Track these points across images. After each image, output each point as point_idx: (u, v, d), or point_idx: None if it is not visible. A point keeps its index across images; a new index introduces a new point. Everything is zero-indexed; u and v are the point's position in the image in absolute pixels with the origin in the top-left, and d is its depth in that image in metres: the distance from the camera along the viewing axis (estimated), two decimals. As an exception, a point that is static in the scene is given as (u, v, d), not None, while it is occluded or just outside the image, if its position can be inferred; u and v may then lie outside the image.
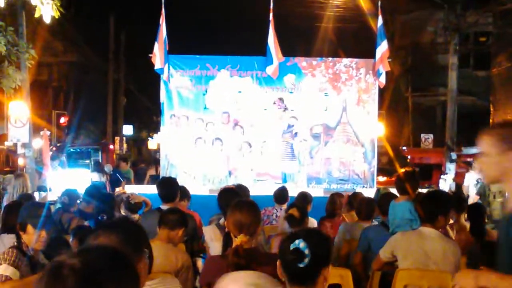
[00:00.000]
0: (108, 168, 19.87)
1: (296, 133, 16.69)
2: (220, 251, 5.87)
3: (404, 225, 7.22)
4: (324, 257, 3.39)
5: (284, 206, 9.91)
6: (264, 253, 5.04)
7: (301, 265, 3.32)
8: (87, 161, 29.39)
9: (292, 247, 3.35)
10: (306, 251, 3.31)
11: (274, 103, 16.67)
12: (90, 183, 15.30)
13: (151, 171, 27.18)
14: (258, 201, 5.38)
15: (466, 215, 9.06)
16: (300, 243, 3.33)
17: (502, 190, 14.67)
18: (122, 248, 3.38)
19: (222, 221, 7.34)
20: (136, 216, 9.91)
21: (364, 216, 8.77)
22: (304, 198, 10.15)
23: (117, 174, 19.20)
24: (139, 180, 23.94)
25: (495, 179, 3.97)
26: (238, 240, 4.75)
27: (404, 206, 7.51)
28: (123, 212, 10.46)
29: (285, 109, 16.69)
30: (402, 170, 8.35)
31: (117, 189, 16.42)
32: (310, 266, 3.32)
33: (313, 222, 9.22)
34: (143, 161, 38.03)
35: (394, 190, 8.80)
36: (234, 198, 6.85)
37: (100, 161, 29.21)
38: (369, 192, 12.69)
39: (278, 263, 3.45)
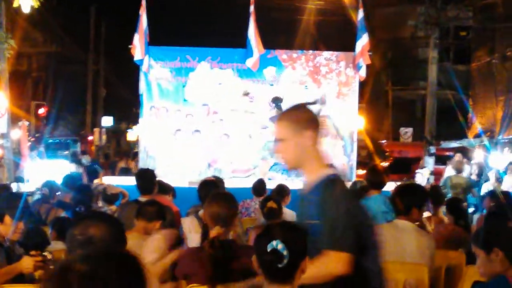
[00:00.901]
0: (85, 159, 19.77)
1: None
2: (199, 243, 5.86)
3: (380, 217, 7.23)
4: (301, 251, 3.36)
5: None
6: (242, 245, 5.03)
7: (280, 265, 3.29)
8: (66, 152, 29.23)
9: (269, 248, 3.30)
10: (285, 252, 3.27)
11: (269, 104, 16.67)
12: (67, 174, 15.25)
13: (122, 163, 27.23)
14: (236, 194, 5.38)
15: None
16: (278, 244, 3.29)
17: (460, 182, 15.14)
18: (111, 239, 3.38)
19: (201, 212, 7.33)
20: (113, 208, 9.88)
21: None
22: (281, 190, 10.13)
23: (95, 166, 19.10)
24: (112, 173, 23.99)
25: (295, 163, 3.96)
26: (214, 231, 4.75)
27: (376, 199, 7.53)
28: (100, 203, 10.43)
29: (278, 108, 16.68)
30: (373, 164, 8.45)
31: (95, 181, 16.34)
32: (289, 264, 3.30)
33: (292, 215, 9.21)
34: (118, 154, 37.98)
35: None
36: (213, 190, 6.85)
37: (78, 152, 29.06)
38: (348, 186, 12.72)
39: (254, 259, 3.41)
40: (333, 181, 3.81)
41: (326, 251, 3.58)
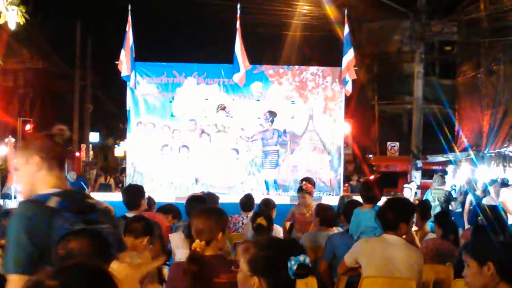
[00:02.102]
0: (71, 175, 19.64)
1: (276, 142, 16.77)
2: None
3: (369, 232, 7.24)
4: None
5: (250, 214, 9.90)
6: (225, 260, 5.02)
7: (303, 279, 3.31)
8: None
9: (295, 263, 3.29)
10: (310, 265, 3.30)
11: (264, 115, 16.74)
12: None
13: (101, 179, 27.27)
14: (224, 209, 5.38)
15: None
16: (306, 259, 3.30)
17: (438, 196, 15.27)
18: (94, 255, 3.39)
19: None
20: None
21: (326, 223, 8.78)
22: (267, 204, 10.12)
23: (81, 182, 19.03)
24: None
25: (28, 191, 3.86)
26: (194, 245, 4.75)
27: (369, 213, 7.53)
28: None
29: (272, 122, 16.74)
30: (367, 178, 8.45)
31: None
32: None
33: (278, 230, 9.21)
34: (102, 170, 38.02)
35: (358, 198, 8.83)
36: (200, 206, 6.84)
37: (66, 168, 28.97)
38: (336, 200, 12.73)
39: (262, 282, 3.38)
40: (21, 204, 3.73)
41: (8, 275, 3.51)
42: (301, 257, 3.30)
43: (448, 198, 15.51)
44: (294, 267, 3.28)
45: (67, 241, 3.44)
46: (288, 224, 10.98)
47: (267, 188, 16.64)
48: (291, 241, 3.78)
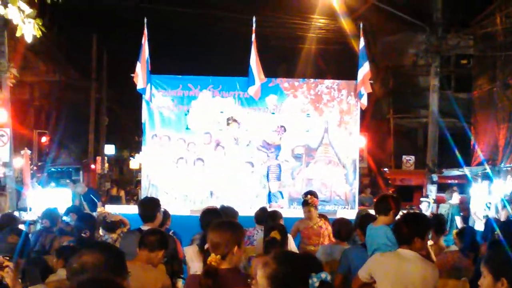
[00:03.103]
0: (78, 188, 19.47)
1: (276, 155, 16.74)
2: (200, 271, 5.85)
3: (382, 249, 7.17)
4: None
5: (265, 227, 9.85)
6: (241, 274, 5.00)
7: None
8: (68, 181, 29.28)
9: (317, 280, 3.29)
10: (330, 282, 3.31)
11: (275, 129, 16.72)
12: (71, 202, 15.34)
13: (113, 191, 27.43)
14: (239, 222, 5.37)
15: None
16: (327, 277, 3.29)
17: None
18: (106, 268, 3.40)
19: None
20: (114, 236, 9.85)
21: (342, 237, 8.75)
22: (274, 216, 10.04)
23: (91, 195, 18.97)
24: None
25: None
26: (209, 259, 4.74)
27: (381, 230, 7.44)
28: (100, 232, 10.40)
29: (281, 136, 16.74)
30: (383, 193, 8.39)
31: (98, 209, 16.31)
32: None
33: (291, 241, 9.19)
34: (114, 182, 38.23)
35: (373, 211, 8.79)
36: (215, 219, 6.82)
37: (81, 180, 29.18)
38: (351, 213, 12.69)
39: None
40: None
41: None
42: (323, 275, 3.30)
43: (454, 213, 15.51)
44: (316, 284, 3.27)
45: (81, 254, 3.44)
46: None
47: (269, 201, 16.57)
48: (310, 257, 3.75)
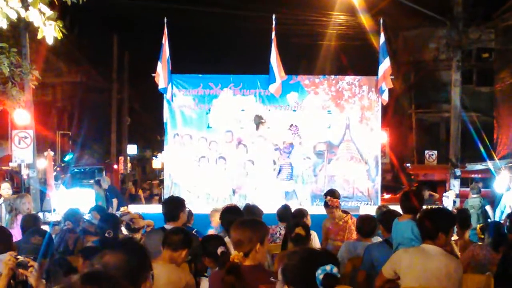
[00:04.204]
0: (104, 181, 19.78)
1: (289, 154, 16.73)
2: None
3: (406, 243, 7.16)
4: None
5: (288, 224, 9.87)
6: (264, 271, 5.02)
7: None
8: (91, 181, 29.49)
9: (321, 273, 3.32)
10: (338, 275, 3.33)
11: (289, 128, 16.71)
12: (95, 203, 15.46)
13: (132, 190, 27.59)
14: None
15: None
16: (333, 269, 3.31)
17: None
18: (128, 268, 3.41)
19: (226, 239, 7.33)
20: (138, 236, 9.89)
21: (365, 234, 8.73)
22: (300, 213, 10.12)
23: (108, 192, 19.20)
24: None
25: None
26: (232, 256, 4.77)
27: (406, 225, 7.45)
28: (124, 231, 10.45)
29: (298, 134, 16.72)
30: (407, 188, 8.37)
31: (121, 209, 16.40)
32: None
33: (315, 237, 9.21)
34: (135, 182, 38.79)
35: (394, 207, 8.79)
36: (236, 216, 6.84)
37: (104, 175, 29.48)
38: (373, 210, 12.65)
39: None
40: None
41: None
42: (328, 267, 3.32)
43: (482, 206, 15.48)
44: (321, 277, 3.31)
45: (103, 254, 3.45)
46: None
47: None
48: (323, 251, 3.79)
